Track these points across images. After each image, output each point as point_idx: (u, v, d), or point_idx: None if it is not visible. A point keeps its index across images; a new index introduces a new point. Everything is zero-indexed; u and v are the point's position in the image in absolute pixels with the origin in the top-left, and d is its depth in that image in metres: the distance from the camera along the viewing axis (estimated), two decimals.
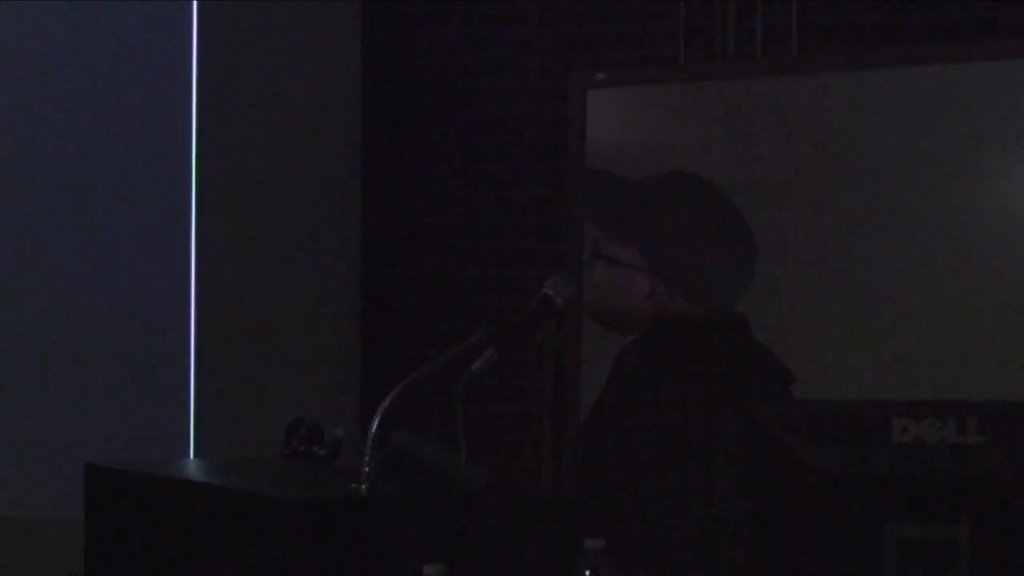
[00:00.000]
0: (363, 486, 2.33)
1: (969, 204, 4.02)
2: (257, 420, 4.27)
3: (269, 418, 3.60)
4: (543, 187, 4.88)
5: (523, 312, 2.57)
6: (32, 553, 4.32)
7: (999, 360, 3.92)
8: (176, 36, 4.34)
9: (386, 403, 2.39)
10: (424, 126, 5.05)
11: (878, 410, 1.90)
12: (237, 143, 4.49)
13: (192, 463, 3.79)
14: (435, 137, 5.04)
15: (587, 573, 2.08)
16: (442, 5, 5.02)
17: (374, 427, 2.37)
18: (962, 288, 3.99)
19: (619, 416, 2.55)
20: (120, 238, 4.39)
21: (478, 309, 4.92)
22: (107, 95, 4.41)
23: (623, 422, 2.52)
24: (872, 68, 4.16)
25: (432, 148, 5.04)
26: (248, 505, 2.35)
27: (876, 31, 4.54)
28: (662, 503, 2.43)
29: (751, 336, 2.66)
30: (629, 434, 2.50)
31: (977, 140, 4.02)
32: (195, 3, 4.33)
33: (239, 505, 2.38)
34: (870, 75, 4.15)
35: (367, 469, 2.34)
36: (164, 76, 4.35)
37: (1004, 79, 3.99)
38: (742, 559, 2.26)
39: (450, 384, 2.42)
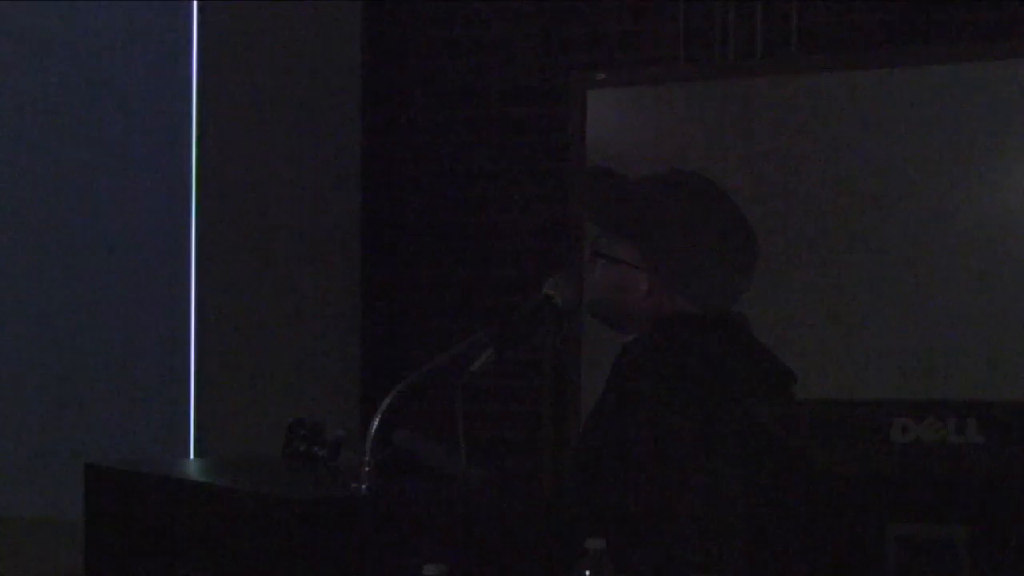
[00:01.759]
0: (363, 486, 2.33)
1: (969, 204, 4.02)
2: (257, 420, 4.27)
3: (269, 418, 3.59)
4: (543, 187, 4.88)
5: (523, 312, 2.57)
6: (32, 553, 4.32)
7: (999, 360, 3.92)
8: (176, 36, 4.34)
9: (386, 403, 2.39)
10: (424, 126, 5.05)
11: (878, 410, 1.90)
12: (237, 143, 4.49)
13: (192, 463, 3.78)
14: (435, 137, 5.04)
15: (587, 573, 2.08)
16: (442, 5, 5.02)
17: (374, 427, 2.37)
18: (962, 288, 3.99)
19: (618, 415, 2.54)
20: (120, 238, 4.39)
21: (478, 309, 4.92)
22: (107, 94, 4.41)
23: (622, 421, 2.52)
24: (872, 68, 4.16)
25: (432, 148, 5.04)
26: (248, 505, 2.35)
27: (876, 31, 4.54)
28: (662, 503, 2.43)
29: (751, 336, 2.65)
30: (628, 433, 2.49)
31: (977, 140, 4.02)
32: (195, 3, 4.33)
33: (239, 505, 2.38)
34: (870, 75, 4.15)
35: (367, 469, 2.34)
36: (164, 76, 4.36)
37: (1004, 79, 3.99)
38: (742, 559, 2.26)
39: (450, 384, 2.41)
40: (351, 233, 4.97)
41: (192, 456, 4.28)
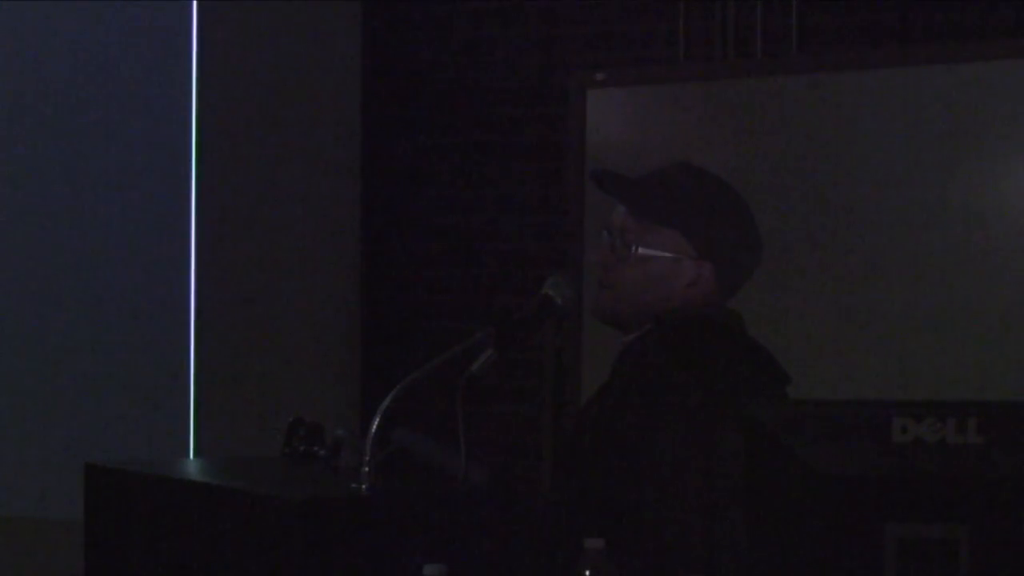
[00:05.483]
0: (363, 486, 2.33)
1: (969, 204, 4.01)
2: (257, 420, 4.27)
3: (269, 418, 3.60)
4: (543, 187, 4.88)
5: (523, 312, 2.56)
6: (32, 553, 4.32)
7: (999, 360, 3.92)
8: (176, 36, 4.34)
9: (386, 403, 2.39)
10: (424, 126, 5.05)
11: (878, 410, 1.90)
12: (237, 143, 4.49)
13: (192, 463, 3.78)
14: (435, 137, 5.04)
15: (587, 573, 2.07)
16: (442, 5, 5.02)
17: (374, 427, 2.37)
18: (962, 288, 3.99)
19: (628, 413, 2.53)
20: (120, 238, 4.39)
21: (478, 309, 4.92)
22: (107, 95, 4.41)
23: (633, 419, 2.51)
24: (872, 68, 4.16)
25: (432, 148, 5.05)
26: (248, 505, 2.35)
27: (876, 31, 4.54)
28: (661, 502, 2.43)
29: (747, 333, 2.64)
30: (630, 432, 2.49)
31: (977, 140, 4.02)
32: (195, 3, 4.33)
33: (239, 505, 2.38)
34: (870, 75, 4.15)
35: (367, 469, 2.34)
36: (164, 76, 4.36)
37: (1004, 79, 3.99)
38: (741, 559, 2.25)
39: (450, 384, 2.41)
40: (351, 233, 4.97)
41: (192, 456, 4.28)
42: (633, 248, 2.60)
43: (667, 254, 2.60)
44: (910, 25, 4.50)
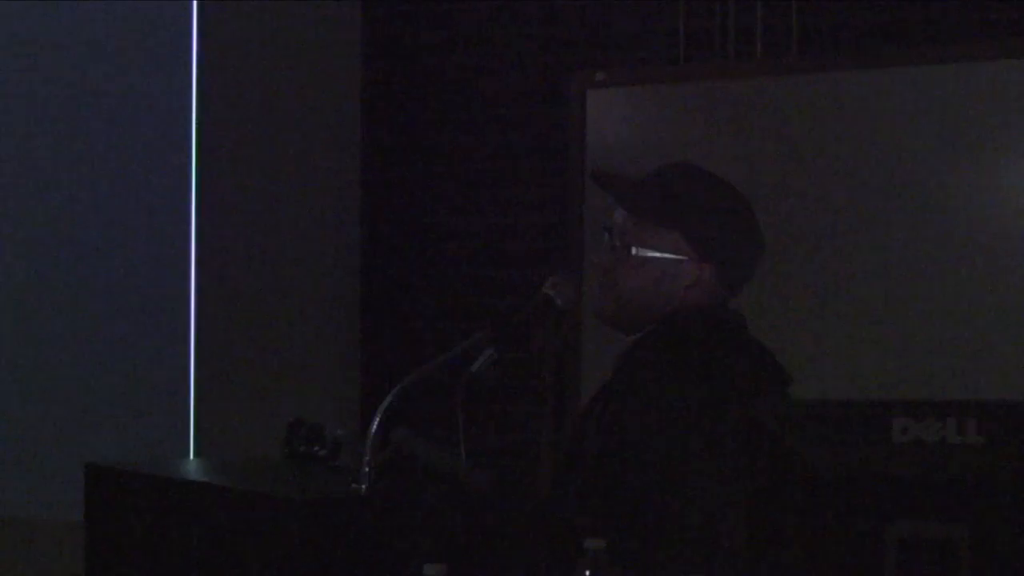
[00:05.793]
0: (363, 486, 2.33)
1: (969, 204, 4.02)
2: (257, 420, 4.27)
3: (269, 418, 3.60)
4: (543, 187, 4.88)
5: (523, 312, 2.56)
6: (32, 553, 4.32)
7: (999, 360, 3.92)
8: (176, 36, 4.34)
9: (386, 403, 2.39)
10: (424, 126, 5.05)
11: (878, 410, 1.90)
12: (237, 143, 4.49)
13: (192, 463, 3.79)
14: (435, 137, 5.04)
15: (587, 573, 2.07)
16: (442, 5, 5.02)
17: (374, 427, 2.37)
18: (962, 288, 3.99)
19: (621, 414, 2.53)
20: (120, 238, 4.39)
21: (478, 309, 4.92)
22: (107, 95, 4.41)
23: (625, 420, 2.51)
24: (872, 68, 4.16)
25: (432, 148, 5.05)
26: (248, 505, 2.35)
27: (876, 31, 4.54)
28: (662, 503, 2.43)
29: (749, 334, 2.64)
30: (631, 433, 2.49)
31: (977, 140, 4.02)
32: (195, 3, 4.34)
33: (239, 505, 2.38)
34: (870, 75, 4.15)
35: (367, 469, 2.34)
36: (164, 76, 4.36)
37: (1004, 79, 3.99)
38: (742, 559, 2.26)
39: (450, 384, 2.41)
40: (351, 233, 4.97)
41: (192, 456, 4.28)
42: (633, 249, 2.60)
43: (667, 255, 2.59)
44: (910, 25, 4.50)
